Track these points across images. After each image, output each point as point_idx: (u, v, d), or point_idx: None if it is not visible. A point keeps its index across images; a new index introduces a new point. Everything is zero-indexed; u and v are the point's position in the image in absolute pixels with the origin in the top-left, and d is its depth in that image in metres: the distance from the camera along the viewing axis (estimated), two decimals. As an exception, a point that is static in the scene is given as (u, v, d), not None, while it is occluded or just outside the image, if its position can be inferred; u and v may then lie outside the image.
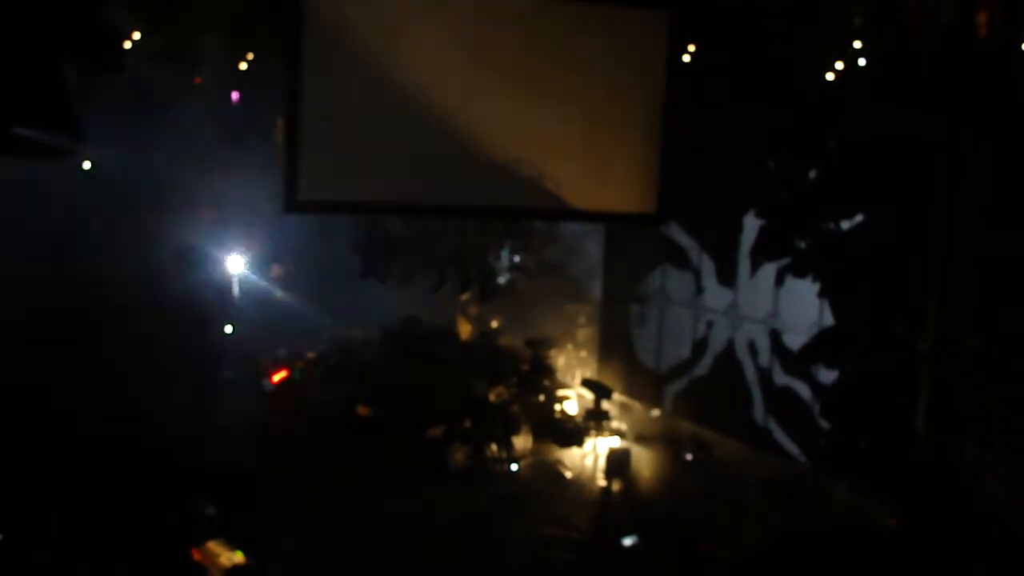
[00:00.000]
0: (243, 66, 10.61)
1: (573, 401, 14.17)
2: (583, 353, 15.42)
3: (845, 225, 9.72)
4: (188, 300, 12.53)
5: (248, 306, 13.41)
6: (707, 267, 13.39)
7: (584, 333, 15.51)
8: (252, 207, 12.85)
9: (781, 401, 12.18)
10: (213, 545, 8.93)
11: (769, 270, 11.85)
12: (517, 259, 15.16)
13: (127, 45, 9.18)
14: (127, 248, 12.41)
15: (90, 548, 8.65)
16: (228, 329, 13.18)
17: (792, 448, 11.94)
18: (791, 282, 10.99)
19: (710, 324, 13.43)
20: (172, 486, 9.72)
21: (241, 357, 13.25)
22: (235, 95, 12.35)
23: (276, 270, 14.14)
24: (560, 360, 15.03)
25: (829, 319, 10.39)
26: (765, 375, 12.47)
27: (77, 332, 11.42)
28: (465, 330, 15.34)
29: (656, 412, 14.11)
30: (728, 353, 13.12)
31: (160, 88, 11.52)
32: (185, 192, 13.00)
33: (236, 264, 13.34)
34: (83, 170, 12.42)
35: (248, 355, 13.34)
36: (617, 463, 12.09)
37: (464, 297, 14.85)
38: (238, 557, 8.81)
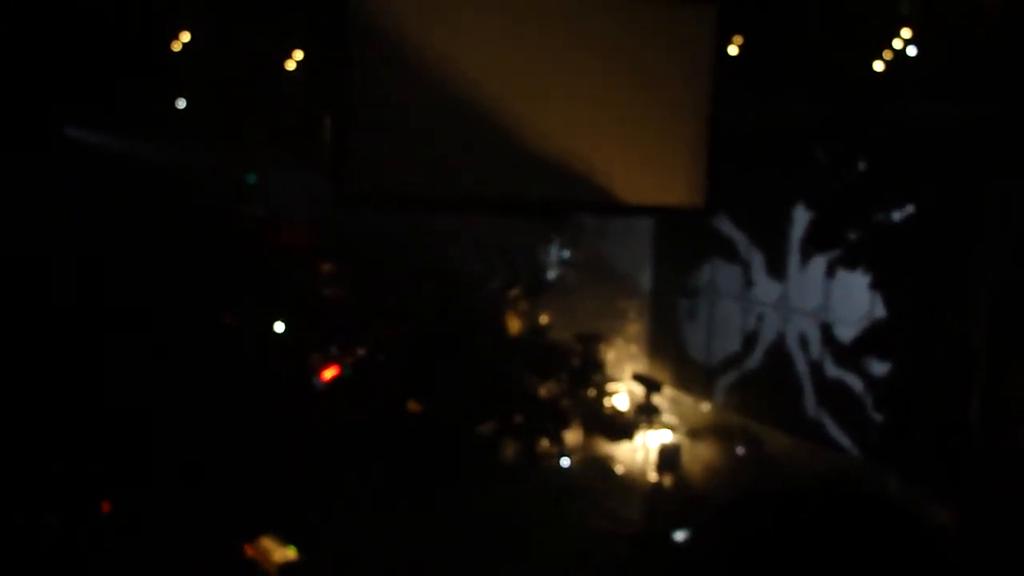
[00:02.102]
0: (291, 66, 10.65)
1: (623, 395, 14.10)
2: (633, 347, 15.37)
3: (896, 216, 9.62)
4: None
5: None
6: (757, 260, 13.30)
7: (634, 327, 15.45)
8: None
9: (833, 394, 12.06)
10: (266, 541, 8.99)
11: (819, 262, 11.73)
12: (566, 254, 15.15)
13: (177, 47, 9.29)
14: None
15: (143, 540, 8.76)
16: (279, 327, 13.27)
17: (844, 441, 11.83)
18: (842, 274, 10.89)
19: (760, 317, 13.34)
20: (221, 482, 9.81)
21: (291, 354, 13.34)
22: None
23: (327, 267, 14.21)
24: (610, 354, 14.96)
25: (881, 311, 10.29)
26: (816, 368, 12.36)
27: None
28: (515, 326, 15.33)
29: (707, 406, 14.04)
30: (779, 346, 13.03)
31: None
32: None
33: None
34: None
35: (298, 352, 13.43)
36: (668, 457, 12.03)
37: (513, 293, 14.85)
38: (291, 553, 8.85)
